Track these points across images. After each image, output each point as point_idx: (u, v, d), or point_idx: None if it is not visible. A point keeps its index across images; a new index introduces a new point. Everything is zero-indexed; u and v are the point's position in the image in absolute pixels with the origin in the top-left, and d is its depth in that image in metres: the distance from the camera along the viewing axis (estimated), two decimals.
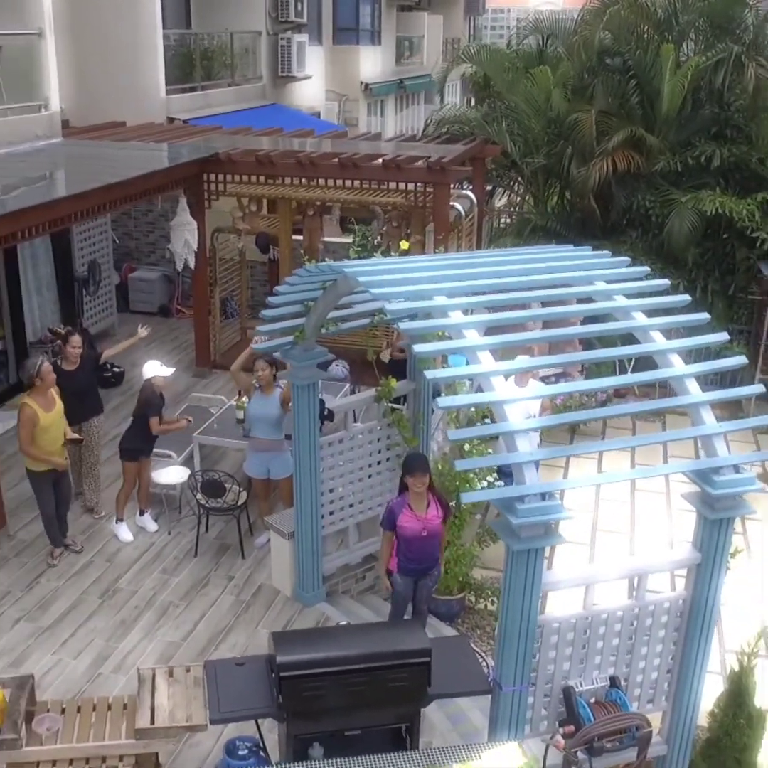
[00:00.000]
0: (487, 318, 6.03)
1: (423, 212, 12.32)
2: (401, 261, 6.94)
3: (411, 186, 11.94)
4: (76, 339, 9.47)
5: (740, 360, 6.35)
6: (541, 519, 5.38)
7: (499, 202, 14.76)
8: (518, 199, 14.73)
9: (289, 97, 19.91)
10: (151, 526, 9.68)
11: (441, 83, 15.63)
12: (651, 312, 6.35)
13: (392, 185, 12.08)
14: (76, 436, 8.99)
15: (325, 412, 8.40)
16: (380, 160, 11.85)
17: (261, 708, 5.73)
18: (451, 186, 12.49)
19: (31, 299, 12.72)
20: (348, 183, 12.16)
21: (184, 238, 12.08)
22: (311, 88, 20.54)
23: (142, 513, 9.70)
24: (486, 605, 9.15)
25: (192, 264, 12.36)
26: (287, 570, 8.63)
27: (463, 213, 12.64)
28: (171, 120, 15.64)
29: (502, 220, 14.78)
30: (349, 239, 13.60)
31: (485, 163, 14.41)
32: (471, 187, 14.09)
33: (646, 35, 14.45)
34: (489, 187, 15.08)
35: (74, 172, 11.29)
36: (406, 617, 7.79)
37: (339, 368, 11.82)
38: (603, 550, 10.15)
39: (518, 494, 5.35)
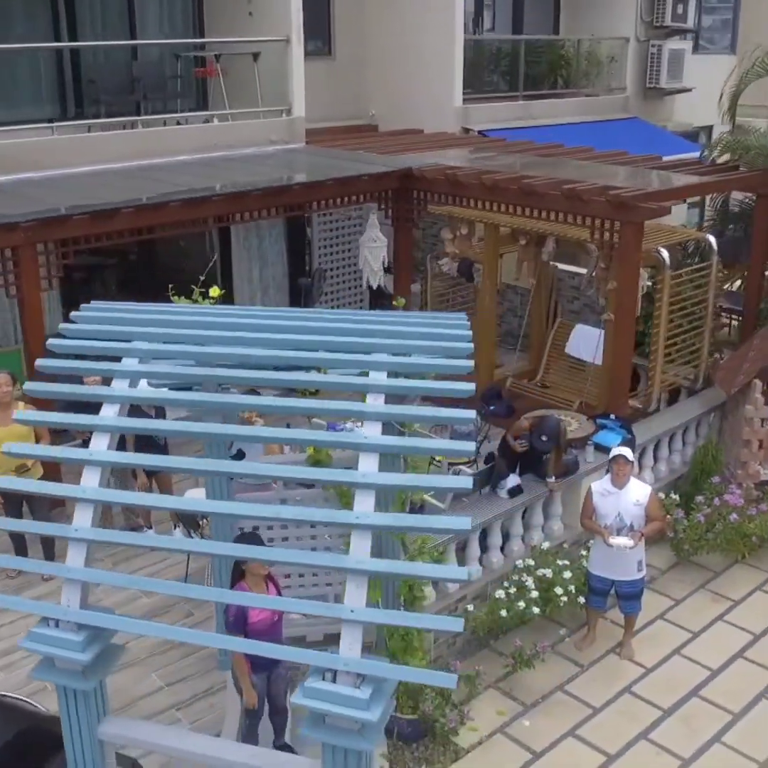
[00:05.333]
0: None
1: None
2: (195, 311, 5.87)
3: (598, 222, 10.01)
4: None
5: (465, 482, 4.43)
6: None
7: None
8: None
9: (664, 112, 17.69)
10: None
11: (733, 101, 12.54)
12: None
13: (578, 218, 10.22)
14: (26, 464, 8.38)
15: None
16: (560, 189, 10.06)
17: None
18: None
19: (253, 300, 13.12)
20: (536, 212, 10.56)
21: (364, 255, 11.53)
22: (702, 102, 17.95)
23: (175, 526, 9.57)
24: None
25: (374, 284, 11.74)
26: None
27: (667, 261, 10.19)
28: (466, 130, 14.93)
29: None
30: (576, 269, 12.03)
31: None
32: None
33: None
34: None
35: (254, 175, 11.27)
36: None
37: None
38: None
39: None
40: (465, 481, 4.32)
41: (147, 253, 13.98)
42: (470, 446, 4.43)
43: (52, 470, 9.32)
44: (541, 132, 15.25)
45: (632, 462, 8.38)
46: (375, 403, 4.70)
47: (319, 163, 11.98)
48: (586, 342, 11.48)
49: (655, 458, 10.62)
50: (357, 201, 11.58)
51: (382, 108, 15.50)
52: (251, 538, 6.43)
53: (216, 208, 10.06)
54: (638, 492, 8.30)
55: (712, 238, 10.82)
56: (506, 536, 9.19)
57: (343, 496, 7.36)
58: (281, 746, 7.04)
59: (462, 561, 8.77)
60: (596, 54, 17.23)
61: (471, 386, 4.75)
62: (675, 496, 10.17)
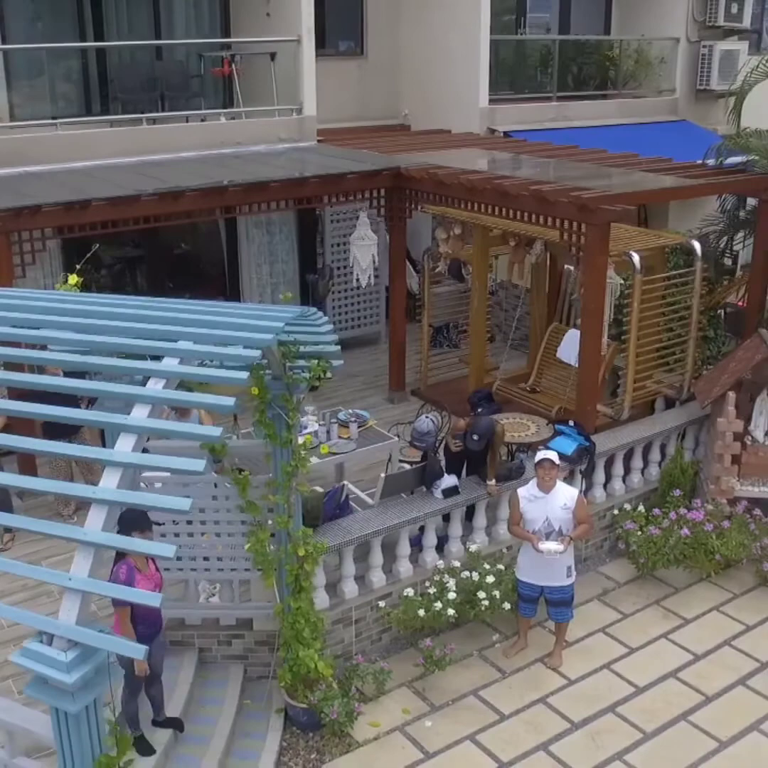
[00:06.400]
0: None
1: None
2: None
3: (566, 224, 9.84)
4: None
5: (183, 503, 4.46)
6: None
7: None
8: None
9: (718, 115, 16.97)
10: None
11: (738, 102, 11.87)
12: None
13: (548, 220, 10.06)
14: None
15: None
16: (528, 191, 9.93)
17: None
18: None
19: (262, 296, 13.36)
20: (510, 213, 10.44)
21: (353, 253, 11.62)
22: (764, 104, 17.15)
23: None
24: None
25: (363, 282, 11.81)
26: None
27: (638, 266, 9.88)
28: (491, 131, 14.78)
29: None
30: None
31: None
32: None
33: None
34: None
35: (248, 174, 11.51)
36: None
37: (427, 421, 10.29)
38: None
39: None
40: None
41: (181, 246, 14.42)
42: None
43: (28, 464, 9.89)
44: (574, 134, 14.96)
45: (558, 465, 8.21)
46: (155, 387, 4.85)
47: (321, 162, 12.13)
48: (573, 346, 11.22)
49: (628, 469, 10.34)
50: (347, 199, 11.68)
51: (414, 108, 15.56)
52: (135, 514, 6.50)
53: (191, 202, 10.34)
54: (566, 496, 8.14)
55: (696, 244, 10.42)
56: (446, 538, 9.14)
57: (240, 484, 7.53)
58: (163, 722, 7.21)
59: (391, 559, 8.80)
60: (646, 55, 16.77)
61: (244, 375, 4.85)
62: (641, 509, 9.89)
